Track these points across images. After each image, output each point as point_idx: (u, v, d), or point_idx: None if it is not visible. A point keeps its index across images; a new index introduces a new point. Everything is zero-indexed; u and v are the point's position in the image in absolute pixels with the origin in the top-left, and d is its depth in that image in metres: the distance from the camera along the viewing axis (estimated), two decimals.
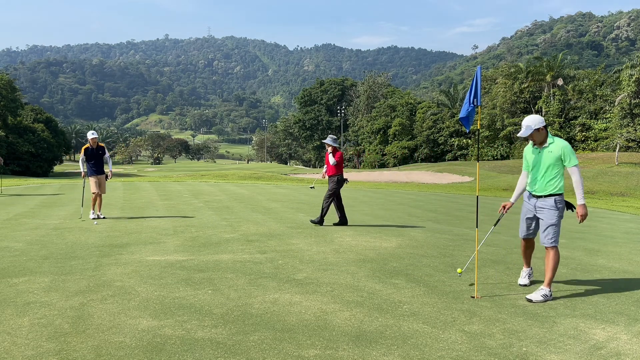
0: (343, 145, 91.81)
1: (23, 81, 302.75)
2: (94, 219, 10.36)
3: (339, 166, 10.05)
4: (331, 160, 10.00)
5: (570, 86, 53.90)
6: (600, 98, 50.24)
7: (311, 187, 14.01)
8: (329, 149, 10.06)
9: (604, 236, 9.89)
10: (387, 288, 5.42)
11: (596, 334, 4.17)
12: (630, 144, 42.76)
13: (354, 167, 79.71)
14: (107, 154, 10.96)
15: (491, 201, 18.03)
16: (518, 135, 5.39)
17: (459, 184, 32.21)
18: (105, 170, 10.88)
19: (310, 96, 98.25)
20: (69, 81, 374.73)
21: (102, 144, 10.96)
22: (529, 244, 5.60)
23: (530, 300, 5.01)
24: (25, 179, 24.34)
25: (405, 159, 68.04)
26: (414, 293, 5.26)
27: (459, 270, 5.88)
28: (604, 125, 47.60)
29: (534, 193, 5.25)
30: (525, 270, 5.75)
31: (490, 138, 59.11)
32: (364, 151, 79.48)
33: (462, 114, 5.45)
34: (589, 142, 50.42)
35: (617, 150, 38.02)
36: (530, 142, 5.28)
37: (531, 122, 5.11)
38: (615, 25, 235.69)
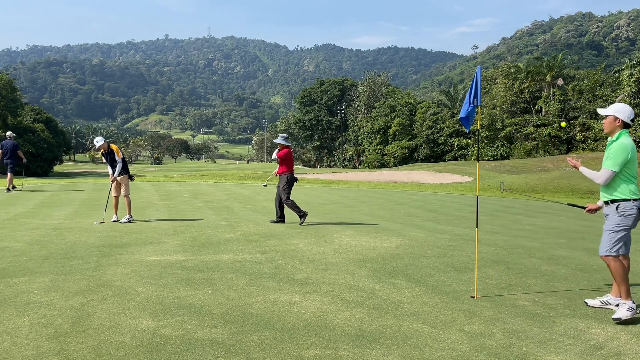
0: (343, 145, 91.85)
1: (23, 81, 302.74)
2: (114, 221, 10.05)
3: (289, 164, 10.03)
4: (273, 155, 10.06)
5: (570, 86, 53.91)
6: (600, 98, 50.24)
7: (264, 185, 13.97)
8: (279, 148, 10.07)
9: None
10: (387, 288, 5.42)
11: (596, 334, 4.17)
12: None
13: (354, 167, 79.72)
14: (117, 158, 10.05)
15: (491, 201, 18.03)
16: (597, 109, 5.06)
17: (459, 184, 32.21)
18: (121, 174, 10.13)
19: (310, 96, 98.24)
20: (69, 81, 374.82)
21: (113, 147, 10.17)
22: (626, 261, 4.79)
23: (618, 319, 4.46)
24: (26, 179, 24.34)
25: (405, 159, 68.05)
26: (414, 293, 5.26)
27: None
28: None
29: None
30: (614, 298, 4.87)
31: (490, 138, 59.10)
32: (364, 151, 79.50)
33: (462, 114, 5.45)
34: (589, 142, 50.42)
35: None
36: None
37: (615, 107, 4.72)
38: (615, 25, 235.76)
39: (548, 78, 55.19)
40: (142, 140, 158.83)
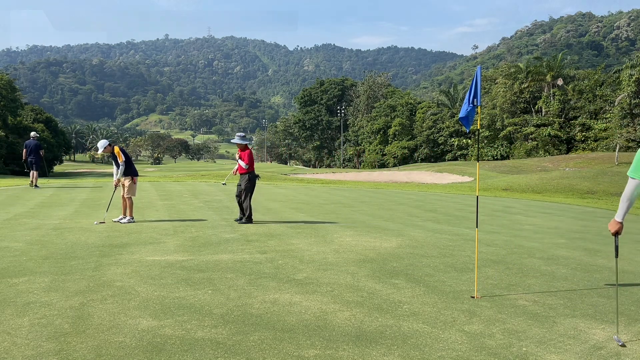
0: (343, 145, 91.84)
1: (23, 81, 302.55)
2: (115, 221, 9.92)
3: (251, 163, 10.02)
4: (242, 163, 9.96)
5: (570, 86, 53.92)
6: (600, 98, 50.27)
7: (223, 184, 13.95)
8: (239, 148, 10.03)
9: (604, 236, 9.90)
10: (387, 288, 5.42)
11: (596, 334, 4.17)
12: (630, 144, 42.72)
13: (354, 167, 79.70)
14: (119, 162, 9.87)
15: (491, 201, 18.02)
16: None
17: (458, 184, 32.20)
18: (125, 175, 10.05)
19: (310, 96, 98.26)
20: (69, 81, 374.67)
21: (116, 149, 9.96)
22: None
23: None
24: (26, 179, 24.35)
25: (405, 159, 68.07)
26: (414, 293, 5.26)
27: None
28: (604, 125, 47.63)
29: None
30: None
31: (490, 138, 59.12)
32: (364, 151, 79.50)
33: (461, 114, 5.45)
34: (589, 142, 50.44)
35: (617, 150, 38.00)
36: None
37: None
38: (615, 25, 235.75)
39: (548, 78, 55.20)
40: (142, 140, 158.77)
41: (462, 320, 4.42)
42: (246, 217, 10.01)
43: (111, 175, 10.71)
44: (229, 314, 4.46)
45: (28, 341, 3.78)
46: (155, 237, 8.32)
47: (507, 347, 3.84)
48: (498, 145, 58.21)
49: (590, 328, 4.32)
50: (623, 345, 3.93)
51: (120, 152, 10.05)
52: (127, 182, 10.15)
